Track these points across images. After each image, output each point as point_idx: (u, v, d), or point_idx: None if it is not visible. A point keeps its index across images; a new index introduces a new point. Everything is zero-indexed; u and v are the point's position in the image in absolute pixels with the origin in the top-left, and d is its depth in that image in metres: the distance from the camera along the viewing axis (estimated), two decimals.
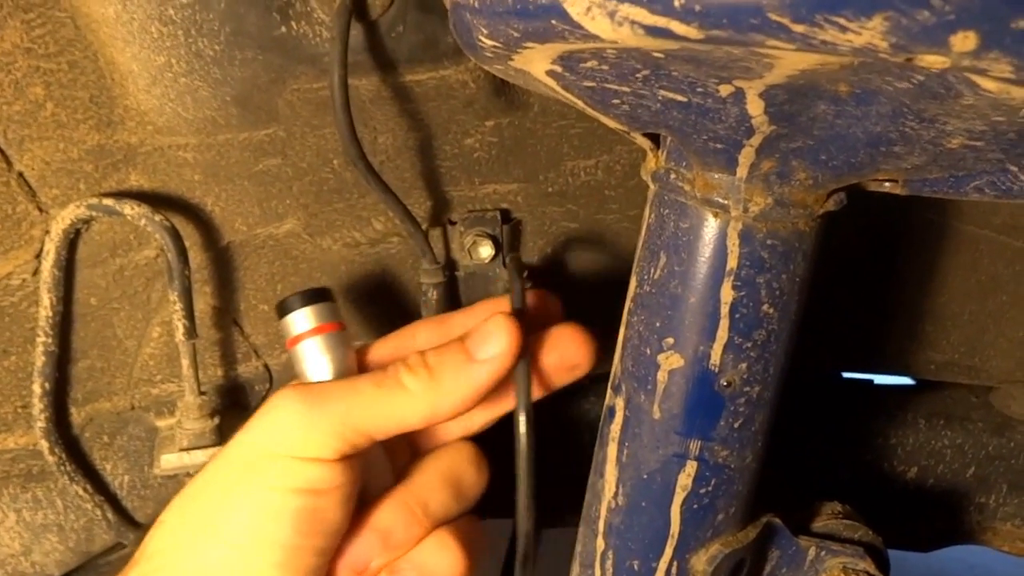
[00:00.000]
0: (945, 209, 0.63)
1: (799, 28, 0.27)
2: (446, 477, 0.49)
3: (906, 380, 0.77)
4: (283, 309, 0.47)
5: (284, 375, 0.63)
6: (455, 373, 0.45)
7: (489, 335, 0.45)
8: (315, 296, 0.47)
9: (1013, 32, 0.26)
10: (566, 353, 0.49)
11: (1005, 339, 0.67)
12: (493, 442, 0.52)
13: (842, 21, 0.26)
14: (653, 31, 0.29)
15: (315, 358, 0.46)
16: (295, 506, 0.42)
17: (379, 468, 0.49)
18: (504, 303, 0.48)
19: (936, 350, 0.69)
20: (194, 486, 0.45)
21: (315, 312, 0.47)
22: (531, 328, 0.48)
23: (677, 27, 0.28)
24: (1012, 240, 0.64)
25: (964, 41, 0.26)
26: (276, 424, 0.43)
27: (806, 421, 0.72)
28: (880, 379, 0.76)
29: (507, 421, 0.51)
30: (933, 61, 0.28)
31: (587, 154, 0.60)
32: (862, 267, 0.65)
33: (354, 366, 0.47)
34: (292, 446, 0.43)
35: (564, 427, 0.71)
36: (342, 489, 0.44)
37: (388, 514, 0.47)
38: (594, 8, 0.29)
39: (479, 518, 0.51)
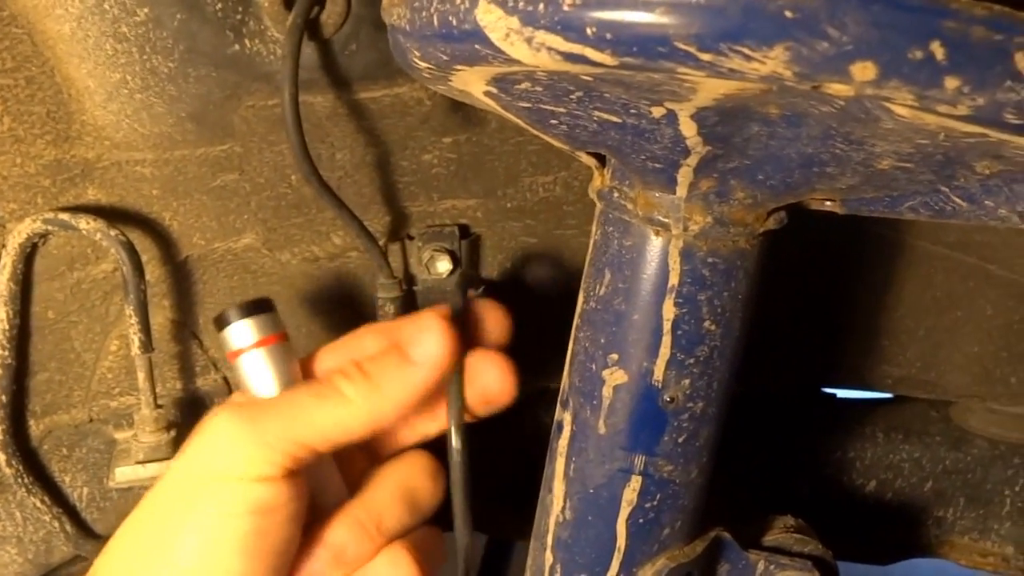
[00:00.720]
0: (898, 226, 0.64)
1: (706, 56, 0.28)
2: (400, 490, 0.48)
3: (868, 394, 0.78)
4: (222, 321, 0.46)
5: None
6: (392, 376, 0.44)
7: (422, 336, 0.45)
8: (255, 307, 0.46)
9: (910, 62, 0.27)
10: (485, 385, 0.48)
11: (960, 354, 0.68)
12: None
13: (746, 51, 0.27)
14: (570, 57, 0.30)
15: (258, 371, 0.45)
16: (243, 529, 0.41)
17: (330, 480, 0.48)
18: (446, 310, 0.48)
19: (893, 364, 0.69)
20: (140, 511, 0.44)
21: (256, 324, 0.45)
22: (476, 338, 0.48)
23: (592, 54, 0.29)
24: (965, 256, 0.65)
25: (864, 71, 0.27)
26: (216, 445, 0.42)
27: (765, 434, 0.72)
28: (844, 393, 0.77)
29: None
30: (839, 90, 0.28)
31: (545, 170, 0.60)
32: (817, 282, 0.66)
33: (299, 377, 0.47)
34: (234, 467, 0.42)
35: (525, 442, 0.71)
36: (290, 506, 0.43)
37: (341, 530, 0.46)
38: (512, 34, 0.30)
39: (437, 529, 0.51)
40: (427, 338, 0.45)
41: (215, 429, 0.43)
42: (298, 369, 0.47)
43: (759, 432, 0.72)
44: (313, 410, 0.43)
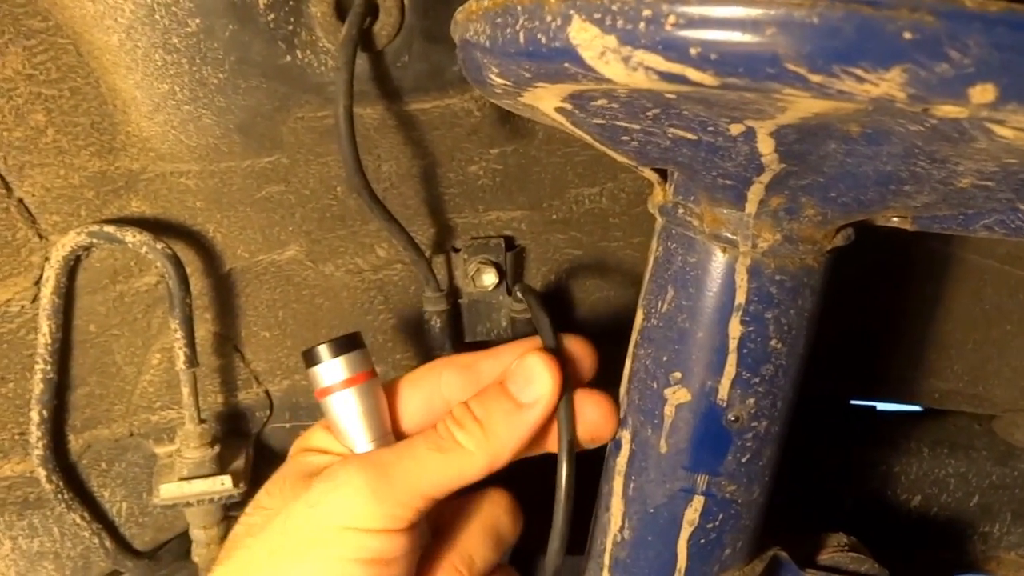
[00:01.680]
0: (949, 239, 0.63)
1: (816, 78, 0.27)
2: (488, 530, 0.48)
3: (909, 407, 0.77)
4: (312, 359, 0.45)
5: (284, 401, 0.63)
6: (506, 423, 0.44)
7: (532, 376, 0.45)
8: (346, 345, 0.45)
9: None
10: (592, 421, 0.48)
11: (1009, 368, 0.67)
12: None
13: (860, 72, 0.26)
14: (667, 77, 0.29)
15: (347, 410, 0.44)
16: None
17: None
18: (533, 342, 0.47)
19: (940, 378, 0.68)
20: (254, 551, 0.43)
21: (347, 362, 0.45)
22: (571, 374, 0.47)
23: (692, 74, 0.28)
24: (1016, 269, 0.64)
25: (983, 93, 0.26)
26: (344, 496, 0.42)
27: (811, 448, 0.71)
28: (883, 406, 0.76)
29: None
30: (950, 111, 0.27)
31: (591, 182, 0.59)
32: (867, 295, 0.65)
33: (386, 415, 0.46)
34: (361, 519, 0.42)
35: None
36: (410, 556, 0.43)
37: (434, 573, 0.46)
38: (608, 53, 0.29)
39: (512, 568, 0.51)
40: (538, 379, 0.45)
41: (344, 481, 0.42)
42: (386, 406, 0.46)
43: (801, 444, 0.71)
44: (435, 465, 0.43)
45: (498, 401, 0.45)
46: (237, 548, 0.44)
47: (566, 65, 0.31)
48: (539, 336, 0.48)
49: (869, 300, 0.66)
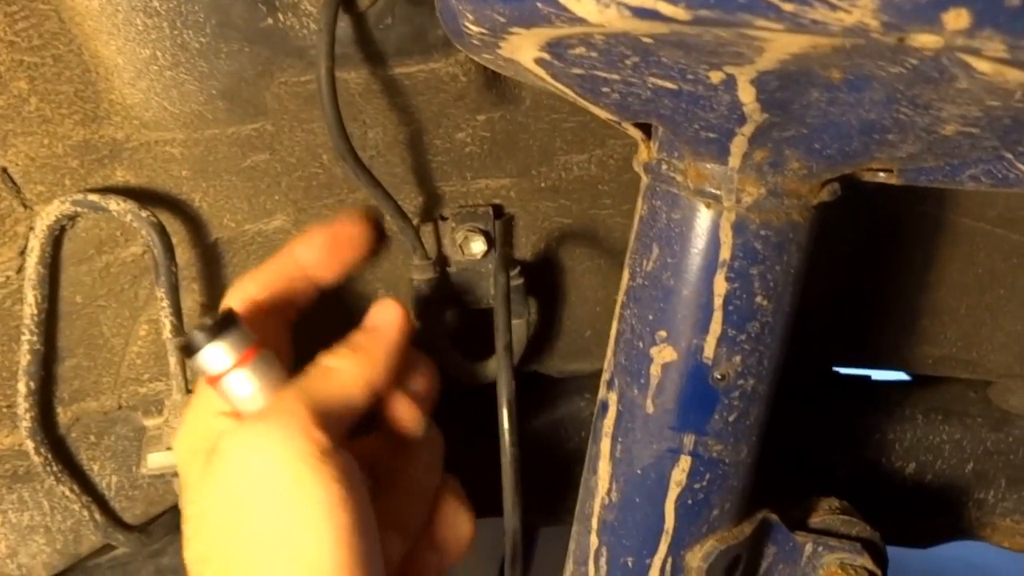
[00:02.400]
0: (941, 202, 0.63)
1: (788, 7, 0.26)
2: (433, 450, 0.52)
3: (903, 375, 0.77)
4: (191, 348, 0.44)
5: None
6: (367, 339, 0.49)
7: (380, 307, 0.51)
8: (223, 325, 0.44)
9: (1007, 9, 0.25)
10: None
11: (1003, 333, 0.67)
12: (483, 444, 0.52)
13: None
14: (640, 12, 0.28)
15: (245, 389, 0.44)
16: (334, 497, 0.42)
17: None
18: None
19: (933, 345, 0.68)
20: (216, 541, 0.44)
21: (229, 344, 0.44)
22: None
23: (664, 8, 0.28)
24: (1009, 233, 0.63)
25: (957, 19, 0.26)
26: (265, 450, 0.43)
27: (804, 417, 0.71)
28: (877, 375, 0.76)
29: (493, 423, 0.51)
30: (926, 40, 0.27)
31: (580, 148, 0.59)
32: (858, 262, 0.65)
33: (285, 377, 0.46)
34: (297, 456, 0.43)
35: (557, 427, 0.70)
36: (356, 473, 0.44)
37: (401, 503, 0.49)
38: None
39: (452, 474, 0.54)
40: (382, 308, 0.51)
41: (255, 440, 0.43)
42: (281, 368, 0.46)
43: (794, 413, 0.70)
44: (318, 387, 0.46)
45: (357, 332, 0.50)
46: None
47: (539, 5, 0.30)
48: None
49: (861, 267, 0.65)
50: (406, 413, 0.50)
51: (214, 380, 0.44)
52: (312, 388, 0.46)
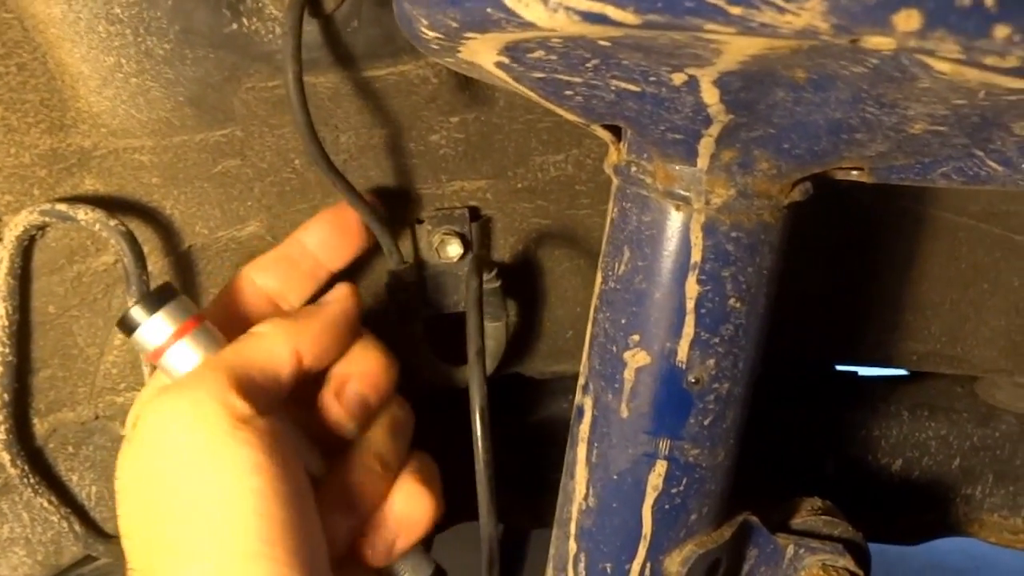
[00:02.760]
0: (922, 197, 0.62)
1: (736, 10, 0.26)
2: (391, 426, 0.51)
3: (890, 371, 0.76)
4: (128, 324, 0.43)
5: None
6: (305, 312, 0.50)
7: (332, 289, 0.52)
8: (161, 297, 0.44)
9: (958, 9, 0.25)
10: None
11: (987, 328, 0.66)
12: (458, 449, 0.51)
13: (779, 2, 0.25)
14: (588, 17, 0.28)
15: (188, 363, 0.44)
16: (259, 466, 0.42)
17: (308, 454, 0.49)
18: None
19: (918, 340, 0.67)
20: (137, 512, 0.44)
21: (169, 315, 0.43)
22: None
23: (613, 12, 0.27)
24: (991, 227, 0.63)
25: (907, 20, 0.25)
26: (185, 417, 0.43)
27: (789, 415, 0.71)
28: (864, 371, 0.75)
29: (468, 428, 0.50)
30: (878, 43, 0.27)
31: (556, 148, 0.59)
32: (840, 258, 0.64)
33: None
34: (217, 423, 0.42)
35: (540, 429, 0.70)
36: (283, 439, 0.44)
37: (354, 479, 0.48)
38: None
39: (425, 452, 0.53)
40: (333, 288, 0.52)
41: (170, 408, 0.43)
42: (225, 341, 0.46)
43: (780, 411, 0.70)
44: (241, 352, 0.45)
45: (303, 307, 0.51)
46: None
47: (488, 11, 0.30)
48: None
49: (842, 263, 0.65)
50: (335, 407, 0.50)
51: (155, 356, 0.44)
52: (234, 352, 0.45)
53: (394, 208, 0.58)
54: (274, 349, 0.47)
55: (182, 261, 0.57)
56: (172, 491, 0.42)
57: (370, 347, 0.51)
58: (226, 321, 0.49)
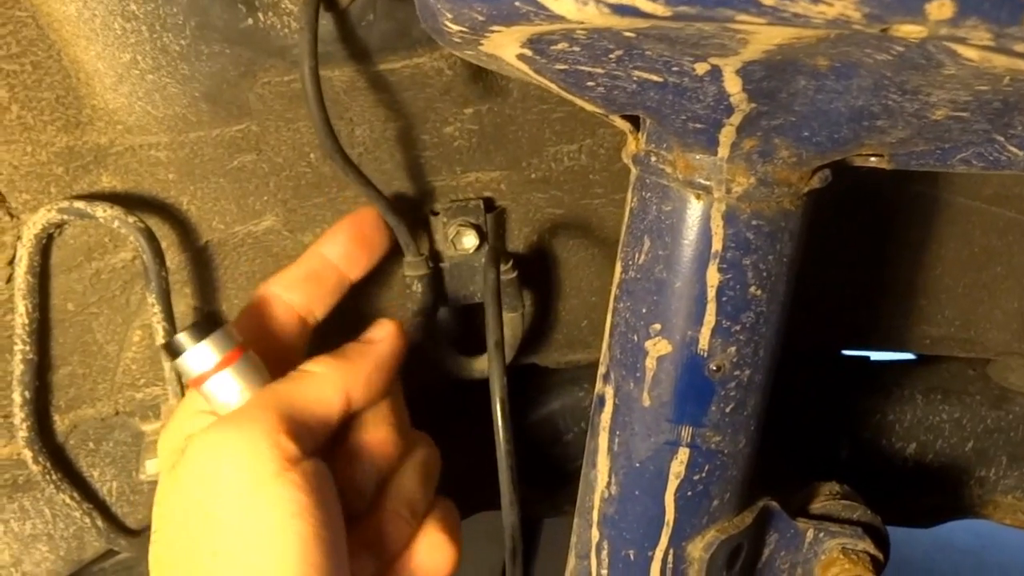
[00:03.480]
0: (935, 182, 0.62)
1: (769, 1, 0.26)
2: (420, 473, 0.50)
3: (902, 356, 0.77)
4: (175, 349, 0.43)
5: None
6: (356, 351, 0.49)
7: (374, 326, 0.52)
8: (207, 326, 0.44)
9: None
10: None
11: (1000, 311, 0.66)
12: (482, 437, 0.51)
13: None
14: (619, 9, 0.28)
15: (229, 392, 0.44)
16: (300, 516, 0.42)
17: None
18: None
19: (932, 324, 0.68)
20: (176, 542, 0.44)
21: (215, 344, 0.44)
22: None
23: (643, 4, 0.27)
24: (1004, 210, 0.63)
25: (940, 8, 0.25)
26: (230, 457, 0.42)
27: (804, 400, 0.71)
28: (876, 355, 0.75)
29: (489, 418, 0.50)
30: (909, 31, 0.27)
31: (570, 139, 0.59)
32: (853, 243, 0.64)
33: (269, 379, 0.46)
34: (265, 464, 0.42)
35: (556, 418, 0.70)
36: (327, 480, 0.44)
37: (383, 526, 0.48)
38: None
39: (447, 498, 0.53)
40: (378, 325, 0.52)
41: (219, 443, 0.43)
42: (267, 372, 0.46)
43: (795, 396, 0.70)
44: (295, 393, 0.45)
45: (350, 344, 0.50)
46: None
47: (517, 4, 0.30)
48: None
49: (856, 248, 0.65)
50: (377, 445, 0.49)
51: (197, 382, 0.44)
52: (286, 392, 0.45)
53: (409, 200, 0.58)
54: (326, 391, 0.46)
55: (199, 256, 0.57)
56: (216, 526, 0.42)
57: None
58: (255, 338, 0.49)
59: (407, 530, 0.49)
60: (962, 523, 0.81)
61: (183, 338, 0.43)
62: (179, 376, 0.56)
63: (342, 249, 0.53)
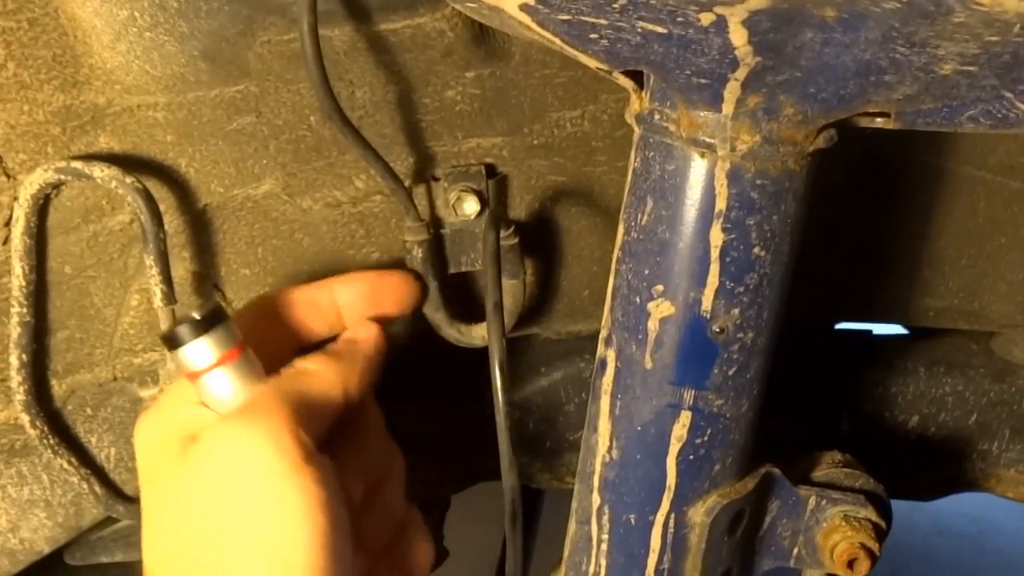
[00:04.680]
0: (941, 150, 0.62)
1: None
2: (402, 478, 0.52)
3: (903, 330, 0.76)
4: (174, 342, 0.43)
5: None
6: (347, 349, 0.50)
7: (354, 326, 0.52)
8: (209, 321, 0.43)
9: None
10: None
11: (1004, 283, 0.66)
12: (479, 407, 0.51)
13: None
14: None
15: (223, 390, 0.43)
16: (314, 518, 0.42)
17: None
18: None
19: (935, 296, 0.67)
20: (185, 530, 0.44)
21: (214, 341, 0.43)
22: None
23: None
24: (1010, 180, 0.62)
25: None
26: (242, 456, 0.42)
27: (806, 373, 0.71)
28: (878, 329, 0.75)
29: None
30: None
31: (572, 104, 0.58)
32: (857, 214, 0.64)
33: (264, 379, 0.45)
34: (275, 463, 0.42)
35: (557, 389, 0.70)
36: (335, 479, 0.44)
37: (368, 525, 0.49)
38: None
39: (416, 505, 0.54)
40: (359, 325, 0.52)
41: (241, 435, 0.43)
42: (262, 371, 0.45)
43: (796, 368, 0.70)
44: (297, 390, 0.45)
45: (332, 343, 0.51)
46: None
47: None
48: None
49: (860, 219, 0.64)
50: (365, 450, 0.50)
51: (193, 376, 0.44)
52: (291, 388, 0.45)
53: (410, 165, 0.58)
54: (328, 387, 0.47)
55: (198, 220, 0.56)
56: (235, 518, 0.42)
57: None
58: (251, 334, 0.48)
59: (390, 528, 0.50)
60: (961, 507, 0.81)
61: (184, 331, 0.43)
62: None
63: (353, 300, 0.52)
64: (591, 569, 0.52)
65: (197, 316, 0.43)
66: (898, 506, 0.58)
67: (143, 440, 0.46)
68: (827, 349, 0.72)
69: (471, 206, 0.58)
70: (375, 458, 0.50)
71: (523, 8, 0.37)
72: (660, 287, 0.45)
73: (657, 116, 0.43)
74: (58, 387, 0.59)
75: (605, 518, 0.50)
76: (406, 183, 0.57)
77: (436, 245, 0.59)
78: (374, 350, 0.51)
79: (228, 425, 0.43)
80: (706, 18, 0.35)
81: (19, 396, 0.56)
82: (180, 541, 0.44)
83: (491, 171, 0.59)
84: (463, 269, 0.60)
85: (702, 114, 0.41)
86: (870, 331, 0.75)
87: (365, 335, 0.51)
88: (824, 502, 0.52)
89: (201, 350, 0.43)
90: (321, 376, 0.47)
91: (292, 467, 0.42)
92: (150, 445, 0.45)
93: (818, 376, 0.71)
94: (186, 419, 0.45)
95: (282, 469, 0.42)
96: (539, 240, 0.62)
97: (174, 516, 0.44)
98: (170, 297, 0.54)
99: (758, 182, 0.42)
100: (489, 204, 0.59)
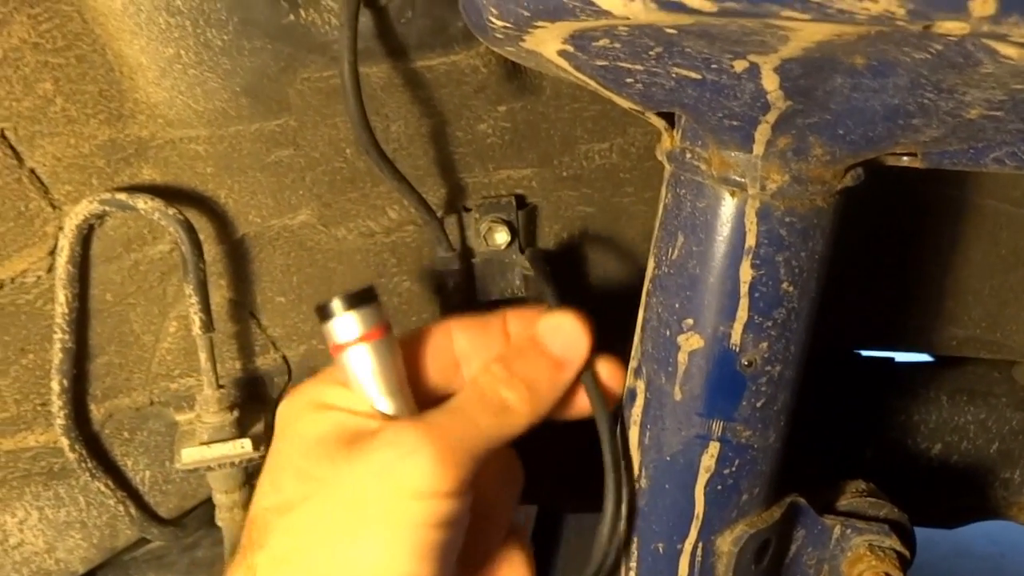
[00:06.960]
0: (964, 183, 0.62)
1: None
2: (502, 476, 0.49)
3: (926, 357, 0.77)
4: (325, 313, 0.44)
5: (302, 367, 0.63)
6: (548, 380, 0.45)
7: (569, 335, 0.46)
8: (360, 298, 0.44)
9: None
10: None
11: None
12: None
13: None
14: (666, 5, 0.29)
15: (363, 367, 0.43)
16: (431, 541, 0.41)
17: None
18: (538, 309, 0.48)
19: (958, 325, 0.68)
20: (307, 516, 0.42)
21: (361, 317, 0.43)
22: None
23: (690, 0, 0.28)
24: None
25: (983, 5, 0.26)
26: (415, 466, 0.41)
27: (830, 401, 0.71)
28: (901, 357, 0.76)
29: None
30: (952, 28, 0.27)
31: (601, 137, 0.59)
32: (882, 244, 0.65)
33: (403, 370, 0.45)
34: (433, 485, 0.41)
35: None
36: (467, 517, 0.43)
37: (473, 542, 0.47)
38: None
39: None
40: (574, 338, 0.46)
41: (412, 448, 0.41)
42: (401, 362, 0.45)
43: (820, 396, 0.70)
44: (487, 424, 0.43)
45: (539, 360, 0.46)
46: (271, 532, 0.42)
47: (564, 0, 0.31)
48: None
49: (885, 249, 0.65)
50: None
51: (338, 350, 0.44)
52: (474, 421, 0.43)
53: (442, 196, 0.59)
54: (515, 430, 0.45)
55: (236, 249, 0.58)
56: (379, 525, 0.41)
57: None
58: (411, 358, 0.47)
59: (493, 545, 0.48)
60: (981, 529, 0.81)
61: (336, 304, 0.44)
62: (215, 367, 0.57)
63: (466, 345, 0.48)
64: None
65: (349, 292, 0.44)
66: (918, 531, 0.58)
67: (282, 413, 0.45)
68: (851, 376, 0.72)
69: (502, 236, 0.59)
70: (501, 473, 0.48)
71: (561, 54, 0.38)
72: (690, 321, 0.46)
73: (688, 155, 0.44)
74: (96, 411, 0.60)
75: (633, 546, 0.51)
76: (438, 214, 0.59)
77: (467, 275, 0.60)
78: (576, 373, 0.47)
79: (412, 429, 0.42)
80: (740, 65, 0.36)
81: (59, 420, 0.58)
82: (321, 523, 0.42)
83: (521, 202, 0.60)
84: (492, 298, 0.61)
85: (733, 154, 0.42)
86: (892, 359, 0.75)
87: (575, 353, 0.46)
88: (849, 531, 0.53)
89: (348, 324, 0.44)
90: (517, 418, 0.44)
91: (448, 489, 0.41)
92: (296, 444, 0.44)
93: (842, 403, 0.72)
94: (350, 422, 0.44)
95: (439, 487, 0.41)
96: (567, 269, 0.63)
97: (315, 517, 0.42)
98: (208, 325, 0.55)
99: (787, 220, 0.43)
100: (519, 235, 0.60)
